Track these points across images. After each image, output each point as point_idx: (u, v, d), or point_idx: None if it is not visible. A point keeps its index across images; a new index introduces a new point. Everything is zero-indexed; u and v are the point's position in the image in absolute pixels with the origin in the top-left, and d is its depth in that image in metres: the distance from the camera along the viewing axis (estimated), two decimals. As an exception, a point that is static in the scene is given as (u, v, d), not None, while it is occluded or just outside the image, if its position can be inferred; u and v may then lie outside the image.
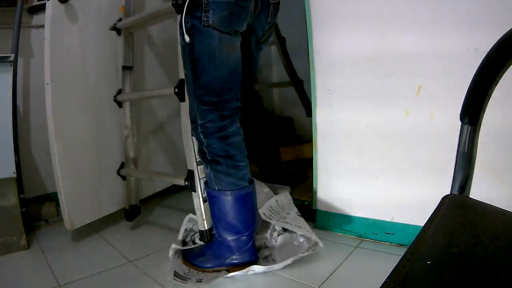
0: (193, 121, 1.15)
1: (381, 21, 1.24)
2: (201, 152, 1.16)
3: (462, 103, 0.52)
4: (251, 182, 1.19)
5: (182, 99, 1.26)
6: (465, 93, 0.52)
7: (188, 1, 1.01)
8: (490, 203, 0.48)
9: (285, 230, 1.33)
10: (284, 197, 1.46)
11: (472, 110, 0.51)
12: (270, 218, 1.33)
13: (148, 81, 1.87)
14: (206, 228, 1.28)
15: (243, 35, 1.14)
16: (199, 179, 1.26)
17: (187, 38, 1.01)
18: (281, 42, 2.42)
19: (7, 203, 1.40)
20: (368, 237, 1.39)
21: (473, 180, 0.55)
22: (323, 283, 1.10)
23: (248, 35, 1.20)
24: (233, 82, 1.09)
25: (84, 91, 1.55)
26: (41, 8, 1.77)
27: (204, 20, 0.99)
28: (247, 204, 1.16)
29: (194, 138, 1.21)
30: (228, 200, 1.12)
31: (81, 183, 1.53)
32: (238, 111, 1.14)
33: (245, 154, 1.17)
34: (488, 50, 0.50)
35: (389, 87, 1.26)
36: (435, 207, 0.48)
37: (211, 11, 0.99)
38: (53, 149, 1.40)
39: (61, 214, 1.71)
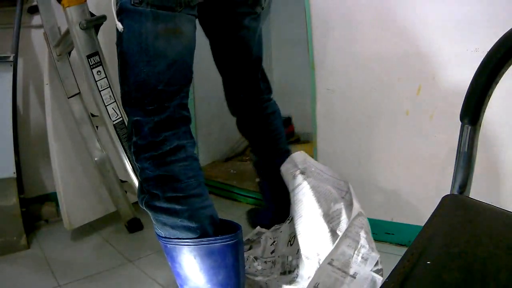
0: (129, 137, 0.84)
1: (381, 21, 1.24)
2: (140, 184, 0.82)
3: (462, 103, 0.52)
4: (233, 228, 0.80)
5: None
6: (465, 93, 0.52)
7: None
8: (490, 203, 0.49)
9: None
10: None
11: (472, 110, 0.51)
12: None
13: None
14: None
15: (217, 3, 0.89)
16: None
17: (119, 26, 0.75)
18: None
19: (7, 203, 1.40)
20: (368, 237, 1.39)
21: (473, 180, 0.55)
22: (323, 283, 1.10)
23: (225, 1, 0.91)
24: (175, 81, 0.78)
25: (83, 90, 1.55)
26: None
27: None
28: (231, 260, 0.78)
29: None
30: (185, 253, 0.77)
31: (80, 182, 1.52)
32: (185, 122, 0.81)
33: (200, 180, 0.80)
34: (488, 50, 0.50)
35: (389, 87, 1.26)
36: (435, 207, 0.48)
37: None
38: (52, 148, 1.40)
39: (61, 214, 1.71)
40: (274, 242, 1.08)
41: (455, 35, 1.11)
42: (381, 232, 1.35)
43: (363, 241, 0.85)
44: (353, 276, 0.83)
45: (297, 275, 0.88)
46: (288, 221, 1.03)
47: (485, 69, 0.50)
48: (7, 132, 1.40)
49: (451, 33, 1.11)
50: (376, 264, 0.86)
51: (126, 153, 1.21)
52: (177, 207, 0.75)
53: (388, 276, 0.33)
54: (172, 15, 0.74)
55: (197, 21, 0.84)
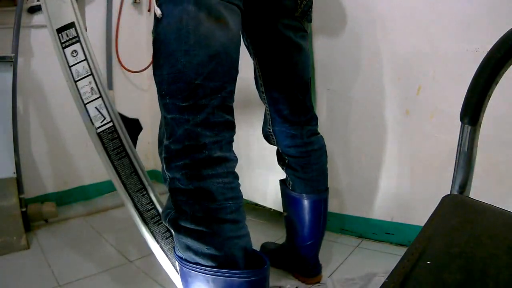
0: (159, 140, 0.76)
1: (381, 21, 1.24)
2: (167, 200, 0.73)
3: (462, 103, 0.52)
4: (259, 261, 0.70)
5: None
6: (465, 93, 0.52)
7: None
8: (490, 203, 0.48)
9: None
10: None
11: (472, 110, 0.51)
12: None
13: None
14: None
15: (262, 11, 0.83)
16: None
17: (157, 12, 0.67)
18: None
19: (7, 203, 1.40)
20: (368, 237, 1.39)
21: (473, 180, 0.55)
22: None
23: (270, 10, 0.84)
24: (216, 77, 0.67)
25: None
26: (41, 8, 1.77)
27: None
28: None
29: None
30: (202, 282, 0.67)
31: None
32: (229, 128, 0.70)
33: (239, 204, 0.69)
34: (488, 50, 0.50)
35: (389, 87, 1.26)
36: (435, 207, 0.48)
37: None
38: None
39: (61, 214, 1.71)
40: None
41: (455, 35, 1.11)
42: (381, 232, 1.35)
43: None
44: None
45: None
46: None
47: (485, 69, 0.49)
48: (7, 132, 1.40)
49: (451, 33, 1.11)
50: None
51: (119, 176, 0.86)
52: (207, 231, 0.64)
53: (388, 276, 0.33)
54: (217, 2, 0.67)
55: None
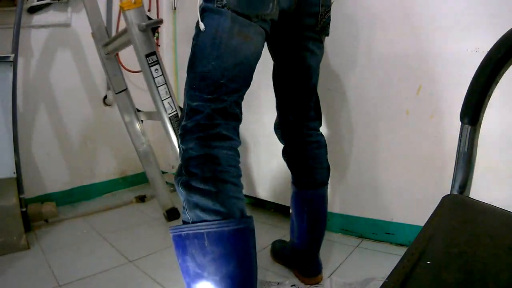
0: (179, 122, 0.91)
1: (381, 21, 1.24)
2: (179, 166, 0.83)
3: (462, 103, 0.52)
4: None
5: None
6: (465, 93, 0.52)
7: None
8: (490, 203, 0.48)
9: None
10: None
11: (472, 110, 0.51)
12: None
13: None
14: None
15: (286, 26, 0.96)
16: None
17: (201, 26, 0.81)
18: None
19: (7, 203, 1.40)
20: (368, 237, 1.39)
21: (473, 180, 0.55)
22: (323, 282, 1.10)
23: (294, 25, 0.98)
24: (237, 80, 0.83)
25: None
26: (41, 8, 1.77)
27: (217, 1, 0.80)
28: (241, 249, 0.76)
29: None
30: (205, 240, 0.74)
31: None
32: (236, 119, 0.85)
33: (239, 173, 0.83)
34: (488, 50, 0.50)
35: (389, 87, 1.26)
36: (435, 207, 0.48)
37: None
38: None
39: (61, 214, 1.71)
40: None
41: (455, 35, 1.11)
42: (381, 232, 1.35)
43: None
44: None
45: None
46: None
47: (485, 69, 0.50)
48: (7, 132, 1.40)
49: (451, 33, 1.11)
50: None
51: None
52: (213, 189, 0.76)
53: (388, 276, 0.33)
54: (248, 23, 0.82)
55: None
